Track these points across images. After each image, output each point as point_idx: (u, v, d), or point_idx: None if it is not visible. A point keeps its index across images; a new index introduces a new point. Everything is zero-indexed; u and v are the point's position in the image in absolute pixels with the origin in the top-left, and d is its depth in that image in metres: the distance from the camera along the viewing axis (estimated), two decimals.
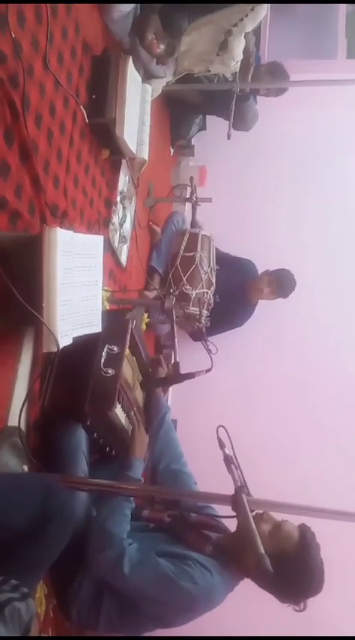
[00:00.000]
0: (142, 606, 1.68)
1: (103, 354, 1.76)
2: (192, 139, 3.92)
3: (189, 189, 2.86)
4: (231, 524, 1.71)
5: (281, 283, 3.31)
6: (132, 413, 1.97)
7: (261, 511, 1.70)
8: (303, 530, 1.72)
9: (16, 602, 1.10)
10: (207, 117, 3.79)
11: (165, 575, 1.60)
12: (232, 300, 3.26)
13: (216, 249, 2.77)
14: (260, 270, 3.49)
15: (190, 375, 1.95)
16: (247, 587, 1.74)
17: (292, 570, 1.61)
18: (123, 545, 1.64)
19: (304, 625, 2.42)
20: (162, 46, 2.45)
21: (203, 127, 3.84)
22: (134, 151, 2.32)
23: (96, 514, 1.76)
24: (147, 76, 2.51)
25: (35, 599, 1.53)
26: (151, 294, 2.84)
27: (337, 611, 2.74)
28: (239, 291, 3.39)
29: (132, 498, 1.76)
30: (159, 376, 2.26)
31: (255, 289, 3.38)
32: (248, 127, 3.47)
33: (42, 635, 1.65)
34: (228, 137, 2.96)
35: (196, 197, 2.82)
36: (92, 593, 1.71)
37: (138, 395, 2.15)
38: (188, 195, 2.91)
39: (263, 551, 1.29)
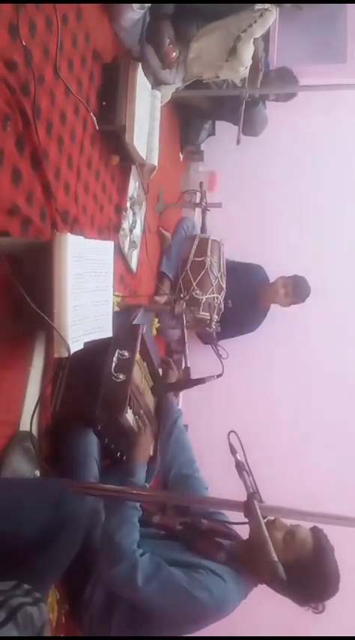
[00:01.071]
0: (155, 617, 1.65)
1: (114, 359, 1.76)
2: (202, 145, 3.92)
3: (198, 194, 2.86)
4: (242, 531, 1.70)
5: (297, 286, 3.31)
6: (140, 417, 1.96)
7: (272, 518, 1.69)
8: (316, 534, 1.71)
9: (29, 606, 1.09)
10: (217, 122, 3.79)
11: (179, 586, 1.58)
12: (244, 305, 3.27)
13: (226, 260, 2.77)
14: (270, 276, 3.49)
15: (201, 381, 1.95)
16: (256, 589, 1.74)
17: (310, 576, 1.62)
18: (135, 557, 1.60)
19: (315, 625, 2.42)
20: (176, 53, 2.46)
21: (212, 133, 3.85)
22: (144, 157, 2.33)
23: (105, 523, 1.72)
24: (157, 83, 2.52)
25: (47, 604, 1.53)
26: (161, 299, 2.85)
27: (350, 616, 2.72)
28: (251, 296, 3.39)
29: (138, 505, 1.74)
30: (169, 380, 2.25)
31: (270, 292, 3.37)
32: (257, 132, 3.47)
33: None
34: (238, 142, 2.97)
35: (206, 202, 2.82)
36: (104, 602, 1.69)
37: (149, 400, 2.14)
38: (198, 201, 2.91)
39: (276, 558, 1.28)
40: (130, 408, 1.80)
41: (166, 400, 2.23)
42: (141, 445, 1.91)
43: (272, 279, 3.50)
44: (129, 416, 1.79)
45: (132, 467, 1.82)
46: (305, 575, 1.61)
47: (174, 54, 2.44)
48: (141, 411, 1.99)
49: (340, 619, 2.56)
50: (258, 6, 2.65)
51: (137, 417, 1.94)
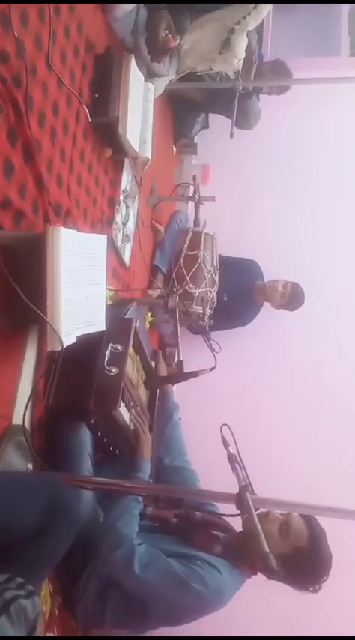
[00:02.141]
0: (151, 605, 1.68)
1: (107, 352, 1.76)
2: (195, 138, 3.90)
3: (192, 187, 2.86)
4: (235, 523, 1.72)
5: (295, 293, 3.33)
6: (136, 412, 1.97)
7: (265, 510, 1.71)
8: (309, 521, 1.75)
9: (22, 599, 1.10)
10: (210, 115, 3.77)
11: (176, 575, 1.61)
12: (239, 299, 3.29)
13: (220, 255, 2.78)
14: (263, 271, 3.51)
15: (194, 374, 1.95)
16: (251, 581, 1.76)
17: (307, 563, 1.69)
18: (133, 544, 1.65)
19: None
20: (176, 42, 2.44)
21: (206, 126, 3.84)
22: (137, 150, 2.32)
23: (106, 514, 1.77)
24: (150, 75, 2.51)
25: (41, 597, 1.53)
26: (155, 293, 2.85)
27: (338, 609, 2.76)
28: (245, 291, 3.41)
29: (140, 499, 1.77)
30: (159, 373, 2.27)
31: (268, 289, 3.37)
32: (251, 125, 3.46)
33: (47, 633, 1.65)
34: (231, 135, 2.96)
35: (199, 196, 2.81)
36: (98, 592, 1.71)
37: (142, 394, 2.15)
38: (191, 194, 2.90)
39: (267, 549, 1.29)
40: (123, 402, 1.80)
41: (164, 392, 2.25)
42: (144, 441, 1.94)
43: (265, 274, 3.51)
44: (123, 410, 1.80)
45: (139, 463, 1.87)
46: (303, 563, 1.68)
47: (174, 43, 2.41)
48: (138, 408, 1.99)
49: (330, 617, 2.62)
50: None
51: (133, 411, 1.95)
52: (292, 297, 3.34)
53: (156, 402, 2.23)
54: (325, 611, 2.67)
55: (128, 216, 2.58)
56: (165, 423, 2.16)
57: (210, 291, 2.62)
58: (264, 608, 2.72)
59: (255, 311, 3.50)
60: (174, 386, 2.40)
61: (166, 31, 2.37)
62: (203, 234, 2.65)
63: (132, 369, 2.02)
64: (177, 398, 2.36)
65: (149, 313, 2.86)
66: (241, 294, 3.36)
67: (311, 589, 1.73)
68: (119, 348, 1.79)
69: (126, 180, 2.51)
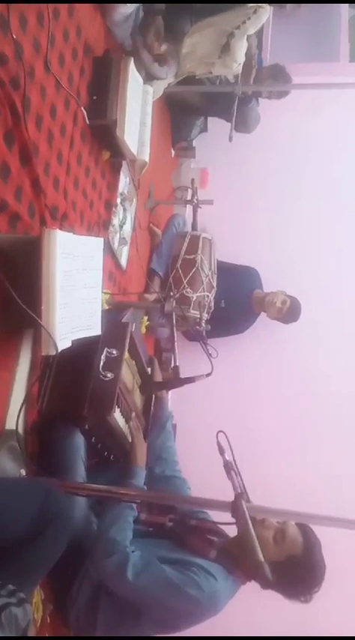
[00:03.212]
0: (144, 612, 1.66)
1: (102, 357, 1.74)
2: (194, 141, 3.91)
3: (190, 191, 2.85)
4: (230, 528, 1.70)
5: (292, 308, 3.32)
6: (132, 418, 1.95)
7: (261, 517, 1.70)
8: (304, 530, 1.74)
9: (13, 607, 1.09)
10: (209, 119, 3.78)
11: (170, 582, 1.60)
12: (236, 306, 3.28)
13: (217, 260, 2.77)
14: (262, 278, 3.49)
15: (190, 380, 1.94)
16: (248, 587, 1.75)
17: (301, 572, 1.68)
18: (127, 552, 1.63)
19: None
20: (163, 47, 2.44)
21: (204, 129, 3.83)
22: (135, 153, 2.31)
23: (100, 521, 1.75)
24: (149, 78, 2.50)
25: (32, 604, 1.52)
26: (151, 297, 2.84)
27: (336, 616, 2.74)
28: (243, 298, 3.40)
29: (134, 506, 1.75)
30: (155, 379, 2.25)
31: (266, 300, 3.35)
32: (250, 129, 3.46)
33: None
34: (230, 139, 2.95)
35: (197, 199, 2.81)
36: (90, 599, 1.70)
37: (138, 399, 2.13)
38: (189, 198, 2.89)
39: (262, 558, 1.28)
40: (118, 407, 1.79)
41: (159, 400, 2.24)
42: (140, 448, 1.93)
43: (263, 280, 3.50)
44: (118, 415, 1.78)
45: (133, 470, 1.86)
46: (296, 572, 1.67)
47: (159, 50, 2.41)
48: (133, 414, 1.98)
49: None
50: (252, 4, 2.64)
51: (131, 417, 1.94)
52: (288, 314, 3.33)
53: (152, 409, 2.22)
54: (319, 621, 2.66)
55: (125, 220, 2.57)
56: (159, 432, 2.15)
57: (208, 296, 2.62)
58: (258, 616, 2.70)
59: (251, 320, 3.49)
60: (170, 391, 2.38)
61: (154, 37, 2.37)
62: (201, 239, 2.65)
63: (128, 374, 2.00)
64: (173, 404, 2.35)
65: (145, 317, 2.84)
66: (239, 302, 3.35)
67: (302, 599, 1.72)
68: (115, 352, 1.77)
69: (123, 183, 2.50)
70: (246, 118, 3.32)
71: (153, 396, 2.22)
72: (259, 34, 3.45)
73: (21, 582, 1.19)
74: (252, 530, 1.32)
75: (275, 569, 1.60)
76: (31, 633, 1.17)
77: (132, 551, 1.65)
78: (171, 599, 1.61)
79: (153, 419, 2.17)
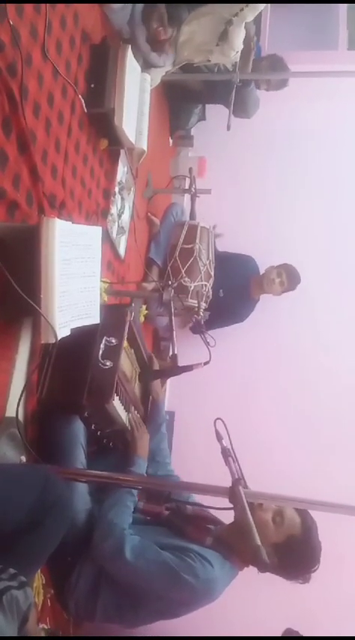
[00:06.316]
0: (142, 597, 1.69)
1: (101, 346, 1.75)
2: (192, 130, 3.89)
3: (188, 180, 2.84)
4: (225, 516, 1.72)
5: (290, 275, 3.35)
6: (132, 408, 1.97)
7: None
8: (301, 512, 1.78)
9: (14, 590, 1.10)
10: (207, 107, 3.76)
11: (167, 566, 1.62)
12: (235, 295, 3.29)
13: (215, 249, 2.77)
14: (260, 265, 3.50)
15: (188, 368, 1.95)
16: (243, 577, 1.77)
17: (301, 551, 1.72)
18: (125, 534, 1.66)
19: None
20: (169, 32, 2.42)
21: (202, 118, 3.82)
22: (133, 141, 2.30)
23: (100, 506, 1.77)
24: (147, 66, 2.49)
25: (33, 588, 1.54)
26: (149, 286, 2.84)
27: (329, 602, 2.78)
28: (241, 287, 3.41)
29: (135, 492, 1.77)
30: (153, 367, 2.27)
31: (264, 283, 3.38)
32: (249, 114, 3.44)
33: (39, 624, 1.66)
34: (228, 128, 2.94)
35: (195, 188, 2.80)
36: (90, 585, 1.72)
37: (137, 387, 2.15)
38: (187, 187, 2.88)
39: (259, 542, 1.29)
40: (117, 396, 1.80)
41: (155, 403, 2.25)
42: (140, 438, 1.96)
43: (261, 267, 3.50)
44: (116, 403, 1.79)
45: (134, 459, 1.89)
46: (296, 552, 1.71)
47: (165, 36, 2.40)
48: (132, 405, 1.99)
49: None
50: None
51: (131, 406, 1.95)
52: (290, 279, 3.35)
53: (150, 397, 2.23)
54: (318, 604, 2.70)
55: (123, 209, 2.57)
56: (154, 434, 2.16)
57: (206, 285, 2.62)
58: (257, 602, 2.74)
59: (251, 307, 3.50)
60: (169, 380, 2.40)
61: (157, 24, 2.35)
62: (199, 228, 2.64)
63: (127, 362, 2.02)
64: (171, 392, 2.36)
65: (144, 306, 2.85)
66: (237, 290, 3.36)
67: (301, 579, 1.75)
68: (113, 341, 1.78)
69: (121, 171, 2.49)
70: (246, 102, 3.30)
71: (150, 398, 2.24)
72: (257, 21, 3.43)
73: (22, 566, 1.20)
74: (250, 515, 1.34)
75: (277, 550, 1.68)
76: (32, 616, 1.18)
77: (131, 534, 1.67)
78: (168, 583, 1.63)
79: (149, 421, 2.19)
